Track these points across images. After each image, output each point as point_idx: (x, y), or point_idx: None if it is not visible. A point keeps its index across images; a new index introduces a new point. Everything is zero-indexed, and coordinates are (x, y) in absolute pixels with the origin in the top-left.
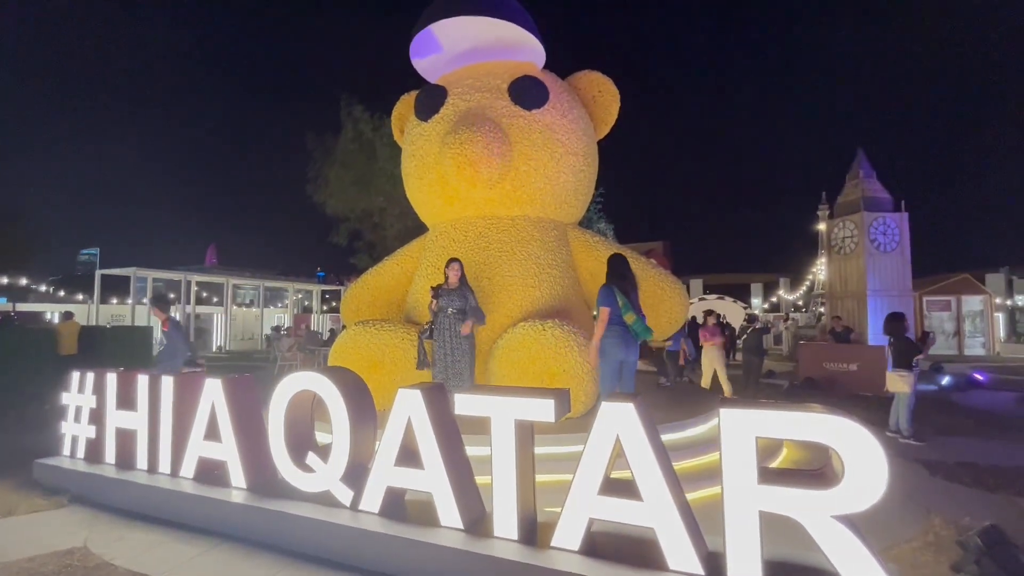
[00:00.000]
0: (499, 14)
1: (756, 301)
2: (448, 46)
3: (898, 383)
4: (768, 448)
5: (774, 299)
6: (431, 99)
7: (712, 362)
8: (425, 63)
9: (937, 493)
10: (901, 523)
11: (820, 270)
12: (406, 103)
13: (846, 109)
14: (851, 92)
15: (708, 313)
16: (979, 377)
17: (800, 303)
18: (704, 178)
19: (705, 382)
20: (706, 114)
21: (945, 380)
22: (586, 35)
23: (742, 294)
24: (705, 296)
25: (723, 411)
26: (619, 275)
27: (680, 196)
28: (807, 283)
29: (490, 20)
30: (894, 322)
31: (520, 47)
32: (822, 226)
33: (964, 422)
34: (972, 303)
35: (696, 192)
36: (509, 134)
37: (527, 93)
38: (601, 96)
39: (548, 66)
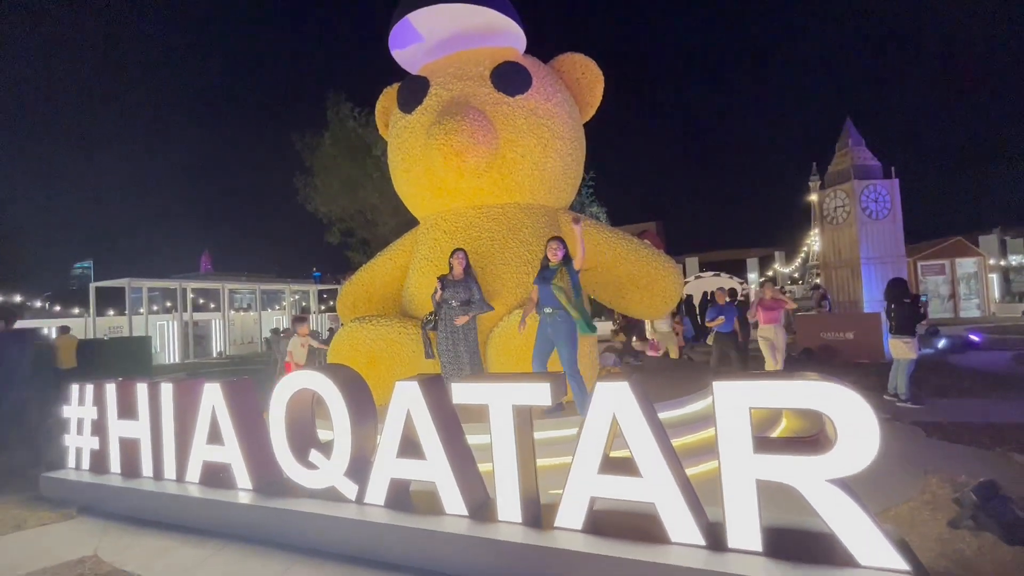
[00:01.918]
0: (477, 0)
1: (753, 276)
2: (427, 35)
3: (903, 349)
4: (767, 419)
5: (770, 272)
6: (414, 90)
7: (772, 342)
8: (405, 54)
9: (934, 453)
10: (899, 484)
11: (814, 241)
12: (389, 96)
13: (833, 79)
14: (837, 62)
15: (766, 283)
16: (974, 338)
17: (796, 275)
18: (695, 156)
19: (770, 366)
20: (694, 92)
21: (941, 342)
22: (568, 15)
23: (738, 270)
24: (701, 274)
25: (716, 384)
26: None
27: (672, 176)
28: (802, 255)
29: (468, 7)
30: (896, 288)
31: (500, 33)
32: (814, 197)
33: (960, 383)
34: (966, 265)
35: (688, 171)
36: (494, 121)
37: (510, 79)
38: (584, 78)
39: (530, 50)
